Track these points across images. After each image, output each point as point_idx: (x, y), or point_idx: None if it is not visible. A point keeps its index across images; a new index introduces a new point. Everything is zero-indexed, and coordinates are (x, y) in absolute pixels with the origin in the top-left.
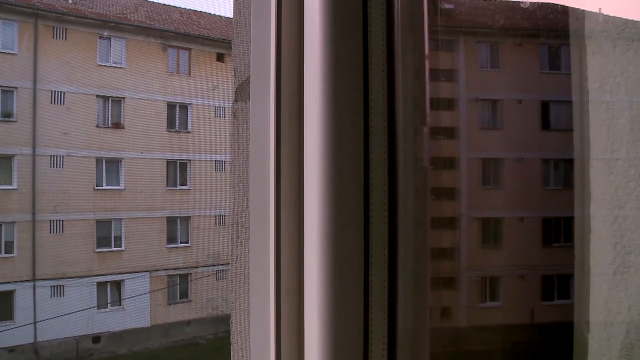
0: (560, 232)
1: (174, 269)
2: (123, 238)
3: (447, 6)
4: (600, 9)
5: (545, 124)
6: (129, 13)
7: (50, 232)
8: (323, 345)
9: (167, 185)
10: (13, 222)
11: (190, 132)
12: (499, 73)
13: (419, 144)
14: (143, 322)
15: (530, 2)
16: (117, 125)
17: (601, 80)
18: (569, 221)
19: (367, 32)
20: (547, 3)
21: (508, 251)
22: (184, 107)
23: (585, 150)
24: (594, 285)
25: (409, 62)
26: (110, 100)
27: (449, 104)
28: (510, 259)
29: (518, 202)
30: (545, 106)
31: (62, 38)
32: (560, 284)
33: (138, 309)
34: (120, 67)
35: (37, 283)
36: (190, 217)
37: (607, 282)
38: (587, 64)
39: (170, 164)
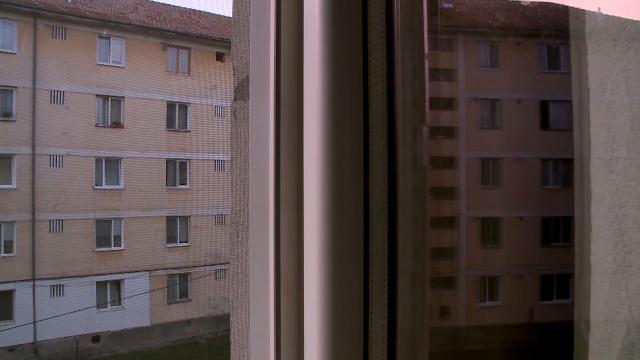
0: (560, 231)
1: (174, 268)
2: (123, 237)
3: (446, 6)
4: (599, 8)
5: (545, 124)
6: (129, 12)
7: (50, 232)
8: (323, 344)
9: (166, 185)
10: (13, 222)
11: (189, 131)
12: (498, 72)
13: (419, 144)
14: (143, 321)
15: (530, 1)
16: (117, 125)
17: (602, 79)
18: (568, 220)
19: (366, 31)
20: (546, 2)
21: (507, 250)
22: (184, 107)
23: (585, 150)
24: (595, 284)
25: (409, 62)
26: (109, 99)
27: (448, 104)
28: (509, 258)
29: (517, 201)
30: (544, 105)
31: (62, 37)
32: (560, 284)
33: (138, 309)
34: (120, 67)
35: (36, 282)
36: (189, 216)
37: (607, 281)
38: (587, 62)
39: (170, 163)
